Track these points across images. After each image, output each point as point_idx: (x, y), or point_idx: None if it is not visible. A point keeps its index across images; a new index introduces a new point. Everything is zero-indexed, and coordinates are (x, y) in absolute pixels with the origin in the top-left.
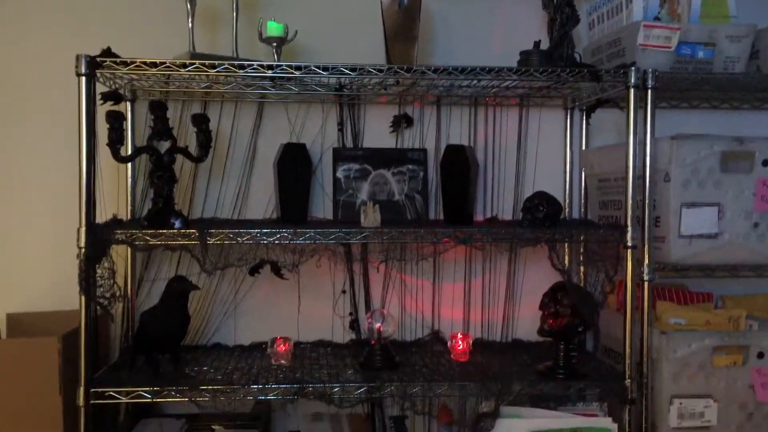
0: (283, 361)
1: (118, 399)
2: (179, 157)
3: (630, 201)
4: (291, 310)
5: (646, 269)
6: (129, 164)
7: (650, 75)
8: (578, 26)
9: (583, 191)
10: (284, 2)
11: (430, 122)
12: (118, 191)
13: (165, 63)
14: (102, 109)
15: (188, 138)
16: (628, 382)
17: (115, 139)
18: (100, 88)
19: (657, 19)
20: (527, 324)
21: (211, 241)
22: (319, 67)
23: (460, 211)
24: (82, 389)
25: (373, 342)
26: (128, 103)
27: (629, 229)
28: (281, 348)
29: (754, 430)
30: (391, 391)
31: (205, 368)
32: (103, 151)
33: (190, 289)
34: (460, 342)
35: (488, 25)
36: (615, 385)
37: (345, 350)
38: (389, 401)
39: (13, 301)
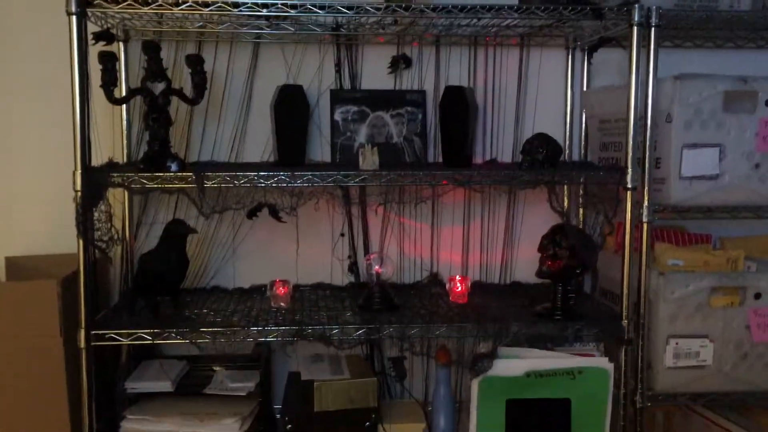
0: (282, 304)
1: (119, 341)
2: (174, 100)
3: (631, 142)
4: (290, 253)
5: (645, 211)
6: (124, 107)
7: (654, 12)
8: None
9: (583, 133)
10: None
11: (428, 63)
12: (113, 134)
13: (157, 1)
14: (94, 51)
15: (183, 80)
16: (625, 322)
17: (108, 81)
18: (92, 29)
19: None
20: (526, 266)
21: (208, 184)
22: (315, 6)
23: (459, 154)
24: (82, 331)
25: (371, 284)
26: (121, 44)
27: (629, 170)
28: (280, 291)
29: (748, 370)
30: (390, 332)
31: (204, 311)
32: (97, 94)
33: (188, 233)
34: (458, 284)
35: None
36: (612, 325)
37: (344, 293)
38: (388, 343)
39: (12, 245)
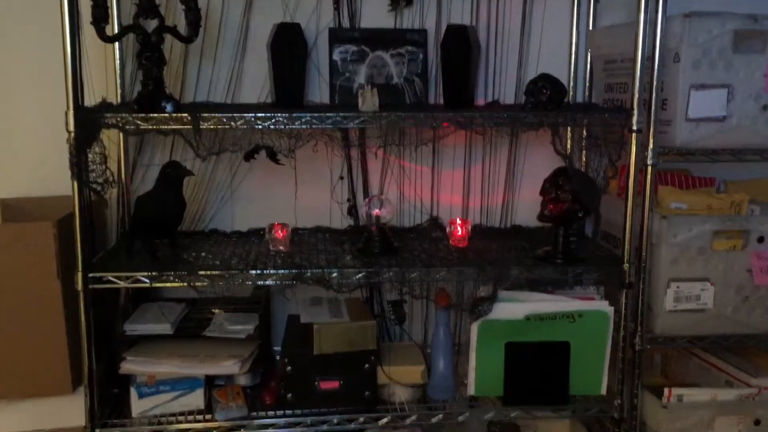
0: (281, 247)
1: (117, 283)
2: (168, 39)
3: (637, 83)
4: (288, 196)
5: (650, 153)
6: (116, 45)
7: None
8: None
9: (588, 74)
10: None
11: (430, 1)
12: (106, 74)
13: None
14: None
15: (176, 18)
16: (626, 266)
17: (100, 17)
18: None
19: None
20: (527, 210)
21: (204, 125)
22: None
23: (461, 95)
24: (80, 274)
25: (371, 228)
26: None
27: (635, 112)
28: (279, 234)
29: (748, 313)
30: (390, 276)
31: (203, 254)
32: (89, 31)
33: (185, 175)
34: (458, 228)
35: None
36: (613, 269)
37: (343, 236)
38: (387, 286)
39: (6, 187)
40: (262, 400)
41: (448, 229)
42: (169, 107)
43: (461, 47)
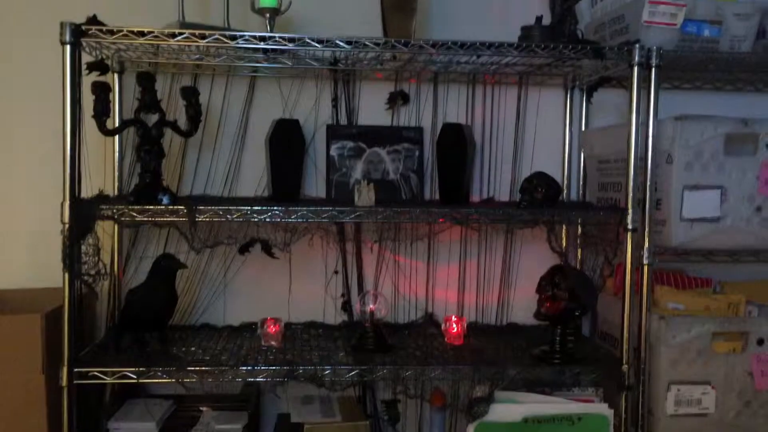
0: (273, 343)
1: (103, 379)
2: (168, 132)
3: (631, 183)
4: (282, 290)
5: (646, 253)
6: (116, 138)
7: (654, 53)
8: (580, 1)
9: (581, 172)
10: None
11: (426, 100)
12: (105, 166)
13: (153, 32)
14: (87, 80)
15: (178, 112)
16: (625, 367)
17: (101, 111)
18: (86, 59)
19: None
20: (523, 307)
21: (200, 218)
22: (313, 40)
23: (456, 191)
24: (65, 369)
25: (365, 324)
26: (115, 75)
27: (630, 211)
28: (271, 329)
29: (751, 418)
30: (384, 374)
31: (193, 348)
32: (89, 124)
33: (178, 268)
34: (454, 325)
35: None
36: (612, 370)
37: (337, 332)
38: (381, 384)
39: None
40: None
41: (443, 326)
42: (165, 199)
43: (457, 145)
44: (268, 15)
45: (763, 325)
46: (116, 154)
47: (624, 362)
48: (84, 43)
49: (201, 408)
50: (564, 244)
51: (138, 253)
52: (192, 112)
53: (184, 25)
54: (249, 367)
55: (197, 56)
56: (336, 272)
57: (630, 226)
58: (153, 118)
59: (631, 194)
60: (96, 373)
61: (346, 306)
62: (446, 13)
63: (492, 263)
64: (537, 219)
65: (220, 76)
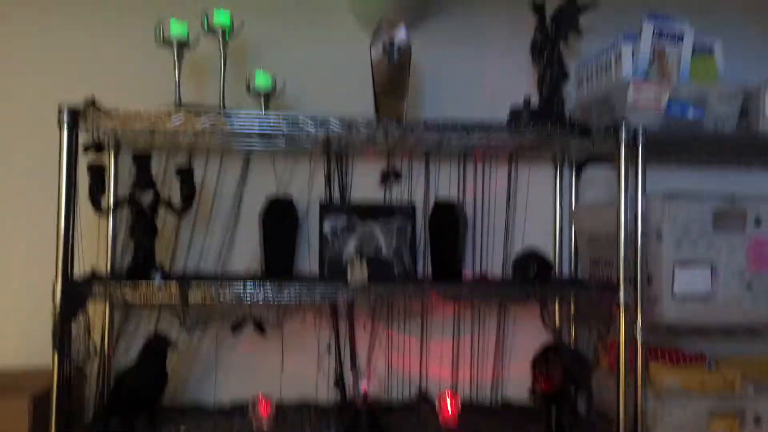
0: (264, 428)
1: None
2: (163, 207)
3: (622, 260)
4: (274, 367)
5: (639, 332)
6: (110, 215)
7: (641, 132)
8: (567, 83)
9: (573, 248)
10: (272, 58)
11: (418, 176)
12: (98, 243)
13: (149, 115)
14: (84, 158)
15: (172, 188)
16: None
17: (96, 192)
18: (84, 137)
19: (647, 76)
20: (517, 383)
21: (192, 300)
22: (307, 120)
23: (449, 267)
24: None
25: (358, 406)
26: (111, 154)
27: (621, 288)
28: (262, 411)
29: None
30: None
31: (182, 430)
32: (83, 200)
33: (169, 348)
34: (448, 405)
35: (478, 80)
36: None
37: (329, 413)
38: None
39: None
40: None
41: (437, 405)
42: (157, 279)
43: (449, 222)
44: (263, 96)
45: (759, 402)
46: (110, 232)
47: None
48: (81, 124)
49: None
50: (557, 321)
51: (130, 329)
52: (186, 190)
53: (180, 107)
54: None
55: (193, 136)
56: (329, 350)
57: (622, 303)
58: (147, 194)
59: (622, 272)
60: None
61: (339, 383)
62: (438, 92)
63: (485, 338)
64: (529, 295)
65: (215, 153)
